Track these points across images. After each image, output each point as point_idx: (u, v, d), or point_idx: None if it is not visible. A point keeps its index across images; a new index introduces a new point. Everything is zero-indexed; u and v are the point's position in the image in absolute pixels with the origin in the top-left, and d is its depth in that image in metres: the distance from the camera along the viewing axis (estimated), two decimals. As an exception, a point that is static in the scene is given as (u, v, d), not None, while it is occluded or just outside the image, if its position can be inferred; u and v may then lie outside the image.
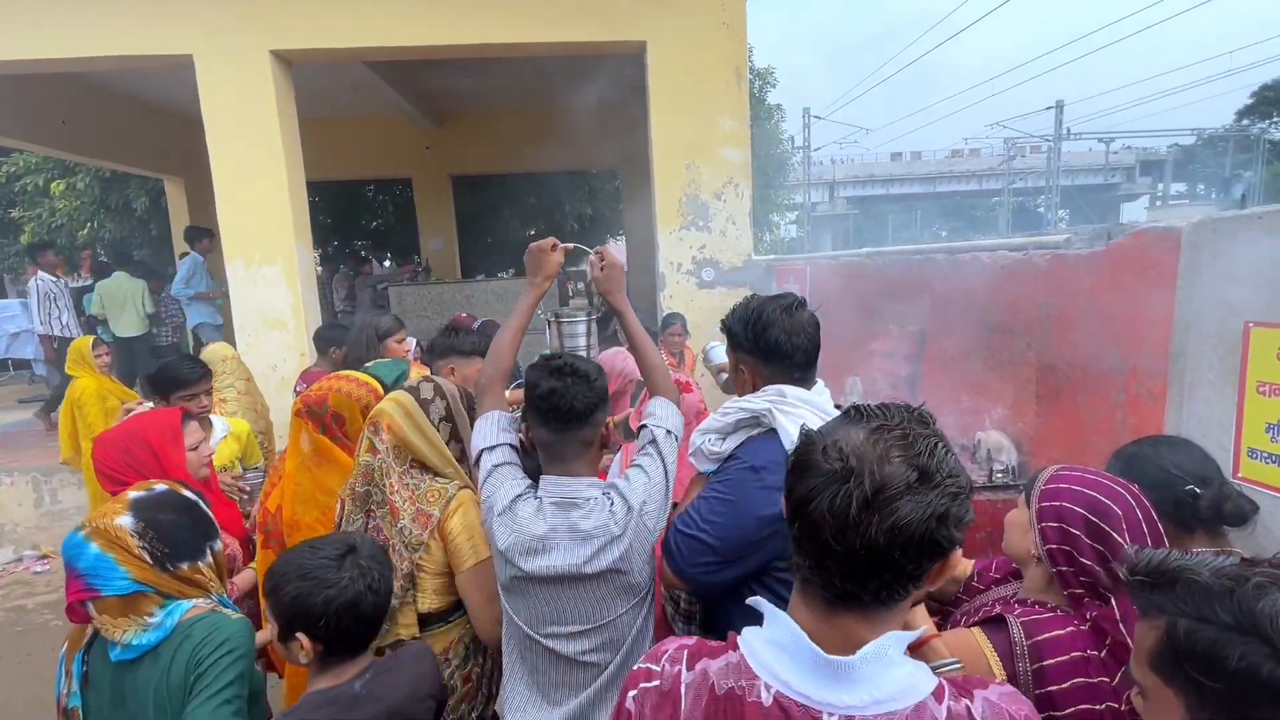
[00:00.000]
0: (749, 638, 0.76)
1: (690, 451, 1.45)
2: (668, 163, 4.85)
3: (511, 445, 1.40)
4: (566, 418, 1.30)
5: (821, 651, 0.69)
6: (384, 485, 1.50)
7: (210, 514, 1.34)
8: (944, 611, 1.36)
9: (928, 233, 42.84)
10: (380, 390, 1.81)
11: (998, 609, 1.15)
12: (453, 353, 2.35)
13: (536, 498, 1.31)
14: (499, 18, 4.63)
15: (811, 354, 1.38)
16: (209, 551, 1.30)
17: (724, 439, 1.39)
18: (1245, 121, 35.20)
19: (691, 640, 0.80)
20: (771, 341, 1.36)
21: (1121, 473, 1.27)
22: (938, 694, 0.70)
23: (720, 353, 2.20)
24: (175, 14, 4.42)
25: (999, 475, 1.88)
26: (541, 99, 7.89)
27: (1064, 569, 1.09)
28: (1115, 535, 1.04)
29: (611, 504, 1.30)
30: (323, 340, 3.66)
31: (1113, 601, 1.04)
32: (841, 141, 31.26)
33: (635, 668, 0.79)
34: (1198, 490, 1.24)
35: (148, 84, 7.11)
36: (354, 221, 13.42)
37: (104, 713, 1.21)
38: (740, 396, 1.44)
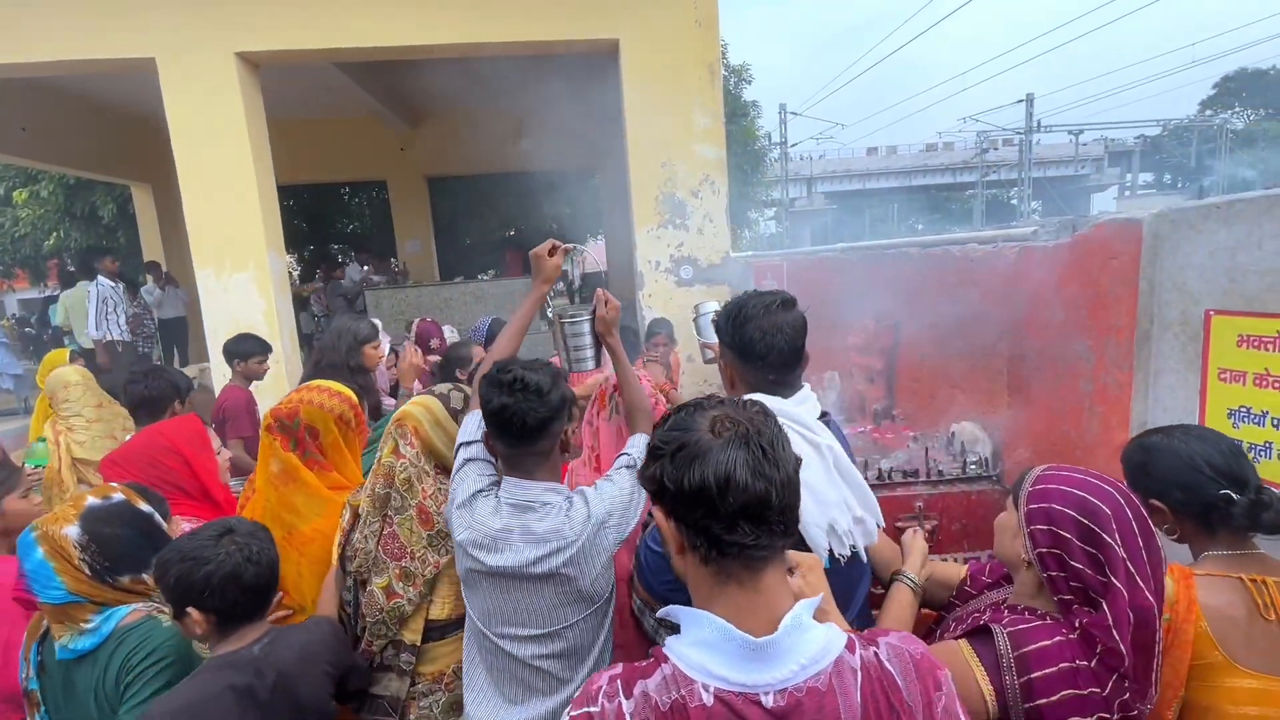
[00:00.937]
0: (675, 647, 0.78)
1: None
2: (643, 161, 4.84)
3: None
4: (519, 433, 1.29)
5: (749, 637, 0.74)
6: (415, 489, 1.48)
7: (164, 527, 1.33)
8: (937, 617, 1.36)
9: (904, 226, 43.34)
10: (354, 398, 1.78)
11: (986, 617, 1.13)
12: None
13: (496, 497, 1.33)
14: (470, 17, 4.59)
15: (789, 357, 1.33)
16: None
17: None
18: (1209, 112, 36.13)
19: (618, 668, 0.81)
20: (747, 338, 1.33)
21: (1141, 466, 1.26)
22: (849, 646, 0.76)
23: (709, 325, 2.15)
24: (136, 16, 4.31)
25: (973, 466, 1.90)
26: (517, 98, 7.83)
27: (1054, 574, 1.06)
28: (1106, 537, 1.01)
29: (570, 509, 1.30)
30: (228, 353, 3.44)
31: (1104, 606, 1.01)
32: (818, 137, 31.48)
33: (571, 714, 0.78)
34: (1234, 496, 1.17)
35: (111, 88, 6.94)
36: (329, 225, 13.24)
37: (58, 699, 1.29)
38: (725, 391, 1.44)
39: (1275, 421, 1.28)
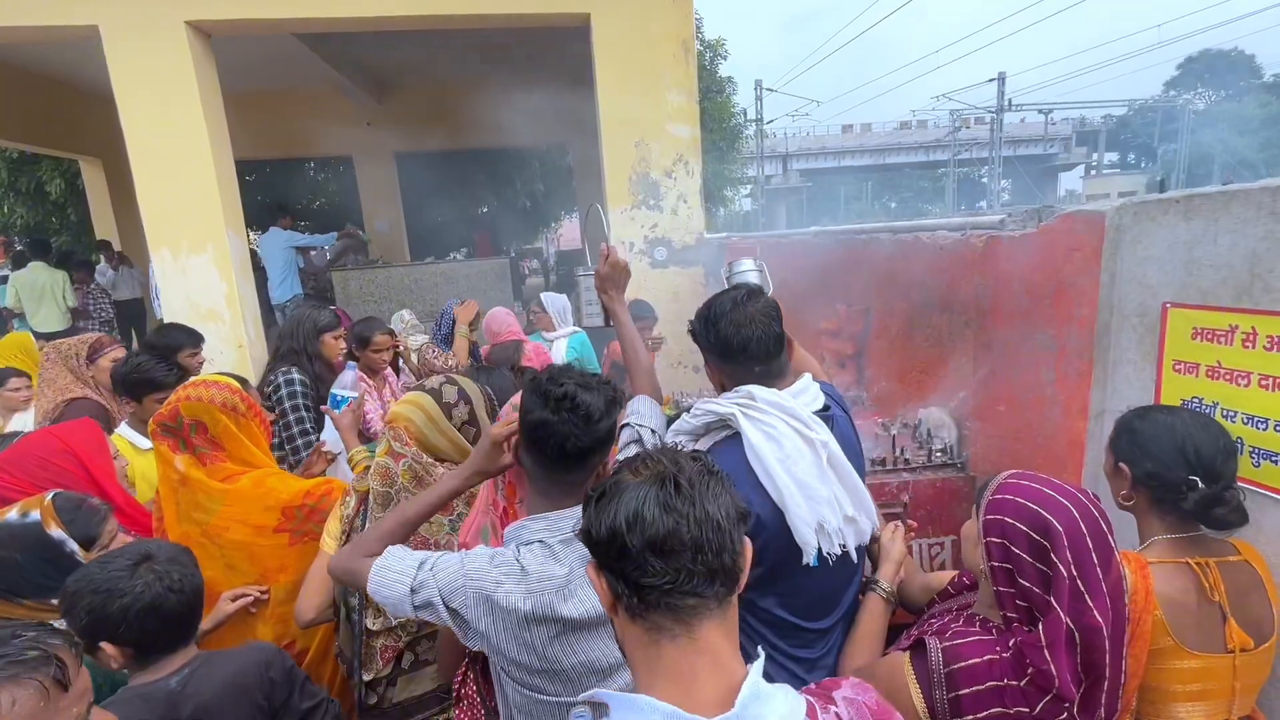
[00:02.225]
0: None
1: None
2: (616, 141, 4.77)
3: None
4: (554, 457, 1.09)
5: None
6: (425, 484, 1.43)
7: (78, 554, 1.24)
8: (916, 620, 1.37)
9: (878, 204, 43.67)
10: (236, 385, 1.73)
11: (935, 627, 1.14)
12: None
13: (540, 543, 1.09)
14: (438, -13, 4.42)
15: (769, 344, 1.30)
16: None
17: (695, 441, 1.33)
18: (1172, 92, 36.85)
19: None
20: (723, 335, 1.31)
21: (1129, 428, 1.26)
22: (810, 712, 0.72)
23: (749, 281, 1.95)
24: (76, -20, 4.07)
25: (938, 454, 1.94)
26: (487, 72, 7.62)
27: (1003, 589, 1.06)
28: (1055, 554, 1.00)
29: None
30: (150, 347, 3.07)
31: (1040, 626, 1.01)
32: (794, 114, 31.38)
33: None
34: (1196, 483, 1.18)
35: (54, 57, 6.56)
36: (295, 202, 12.82)
37: None
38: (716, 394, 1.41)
39: (1225, 412, 1.32)
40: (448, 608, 1.05)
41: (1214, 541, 1.24)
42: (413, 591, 1.06)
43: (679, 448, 1.30)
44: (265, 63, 6.63)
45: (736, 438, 1.24)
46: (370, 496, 1.49)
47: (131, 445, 2.17)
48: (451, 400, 1.49)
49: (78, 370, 2.60)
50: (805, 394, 1.31)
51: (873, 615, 1.31)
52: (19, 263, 6.69)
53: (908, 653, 1.13)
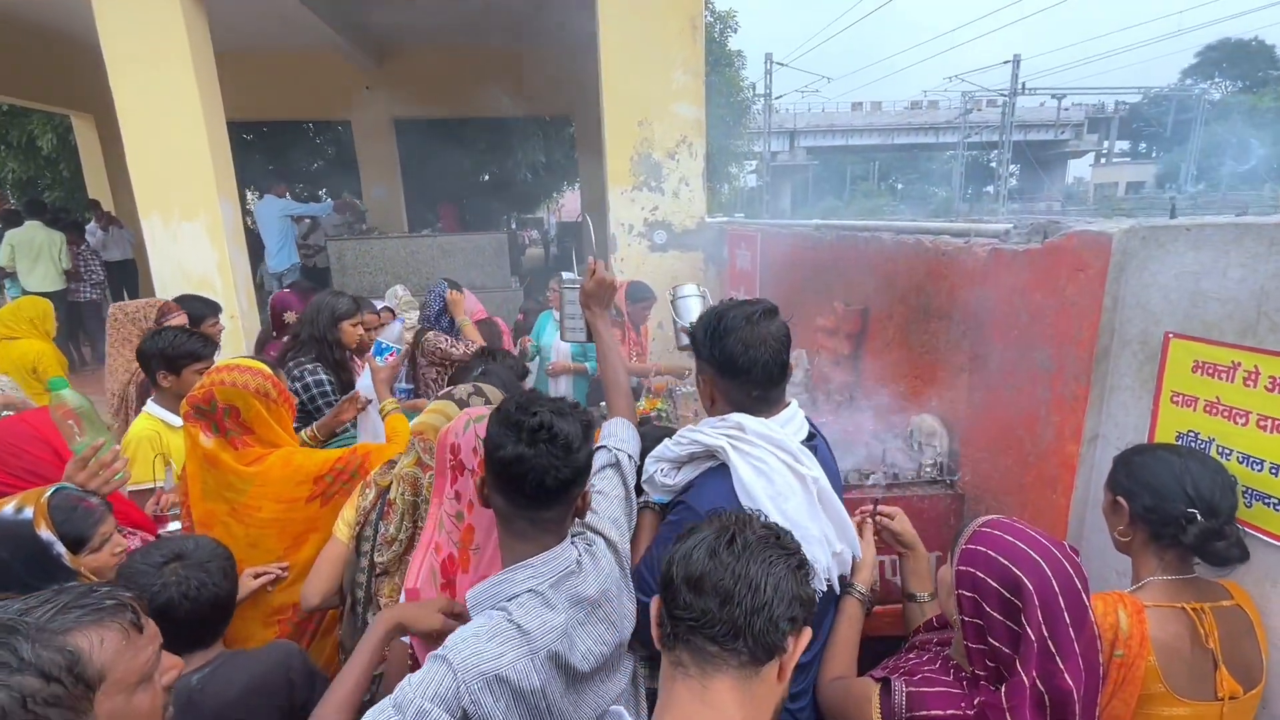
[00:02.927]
0: None
1: (644, 478, 1.34)
2: (619, 119, 4.65)
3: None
4: (533, 495, 1.00)
5: None
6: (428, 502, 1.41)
7: (64, 558, 1.21)
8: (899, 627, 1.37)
9: (884, 184, 43.15)
10: (269, 371, 1.73)
11: (907, 665, 1.13)
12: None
13: (530, 593, 1.01)
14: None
15: (774, 371, 1.25)
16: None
17: (678, 469, 1.29)
18: (1189, 81, 36.19)
19: None
20: (728, 352, 1.24)
21: (1129, 462, 1.24)
22: None
23: (690, 307, 2.03)
24: (61, -69, 3.91)
25: (928, 469, 1.92)
26: (489, 37, 7.42)
27: (973, 645, 1.04)
28: (1024, 615, 0.98)
29: (594, 556, 1.10)
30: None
31: (1004, 688, 0.99)
32: (803, 90, 30.77)
33: None
34: (1195, 516, 1.16)
35: (44, 8, 6.36)
36: (293, 165, 12.60)
37: None
38: (703, 409, 1.37)
39: (1221, 450, 1.30)
40: (461, 712, 0.90)
41: (1208, 584, 1.22)
42: None
43: (662, 475, 1.29)
44: (262, 21, 6.43)
45: (723, 469, 1.21)
46: (398, 506, 1.48)
47: (164, 424, 2.12)
48: (464, 396, 1.47)
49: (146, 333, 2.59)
50: (793, 423, 1.28)
51: (850, 620, 1.31)
52: (10, 221, 6.58)
53: (880, 683, 1.12)
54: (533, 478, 0.99)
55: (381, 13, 6.68)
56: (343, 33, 6.84)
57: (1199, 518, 1.16)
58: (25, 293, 6.20)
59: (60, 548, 1.20)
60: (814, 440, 1.31)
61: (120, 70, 4.07)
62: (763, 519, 0.88)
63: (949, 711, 1.02)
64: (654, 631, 0.83)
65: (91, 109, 7.94)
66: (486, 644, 0.94)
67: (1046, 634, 0.97)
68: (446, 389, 1.53)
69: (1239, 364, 1.25)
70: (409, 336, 3.43)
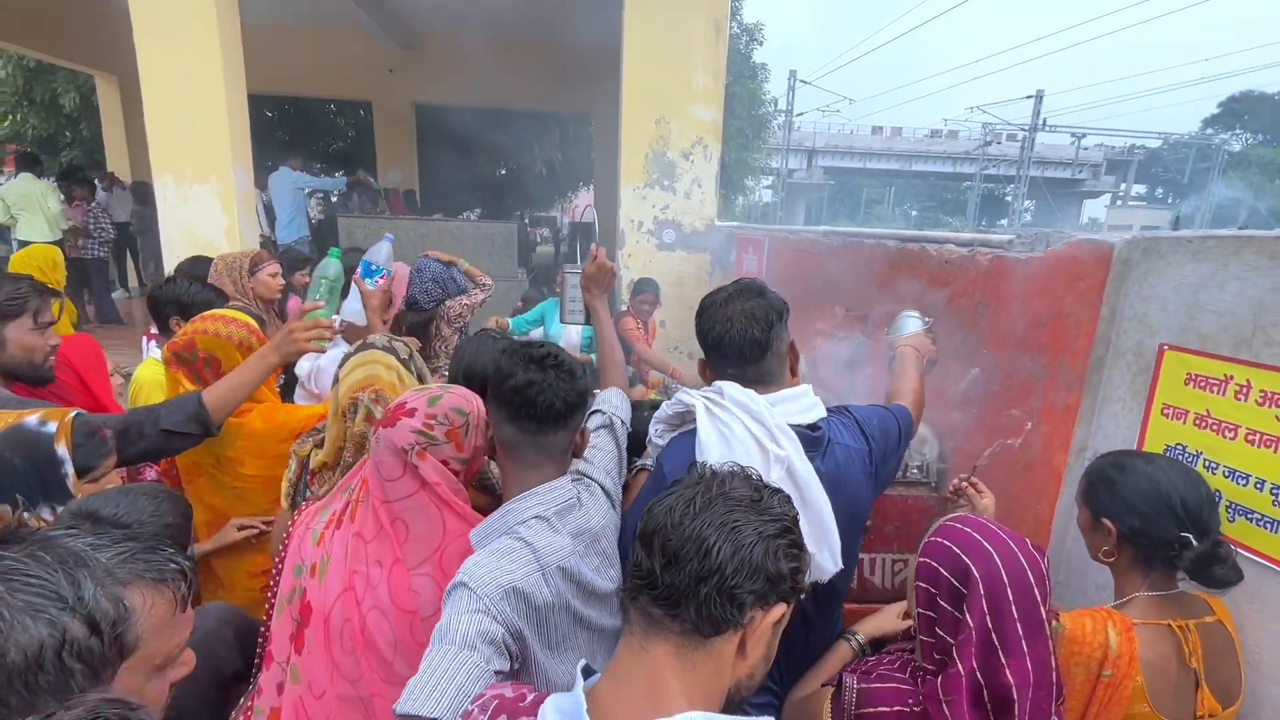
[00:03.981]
0: (547, 706, 0.72)
1: (647, 441, 1.38)
2: (637, 116, 4.67)
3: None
4: (544, 417, 1.08)
5: None
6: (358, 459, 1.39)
7: (68, 479, 1.21)
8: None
9: (899, 210, 43.23)
10: (253, 323, 1.72)
11: (864, 666, 1.10)
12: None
13: (536, 519, 1.07)
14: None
15: (744, 347, 1.23)
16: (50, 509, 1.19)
17: (672, 431, 1.30)
18: (1210, 130, 36.24)
19: (511, 690, 0.77)
20: (702, 329, 1.29)
21: (1108, 482, 1.21)
22: None
23: (904, 325, 1.83)
24: (100, -112, 3.95)
25: (914, 470, 1.91)
26: (515, 30, 7.47)
27: (925, 638, 1.01)
28: (968, 604, 0.94)
29: (591, 494, 1.17)
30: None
31: (940, 678, 0.96)
32: (825, 109, 30.83)
33: (468, 708, 0.77)
34: (1193, 541, 1.13)
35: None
36: (313, 142, 12.69)
37: None
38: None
39: (1208, 464, 1.29)
40: (504, 625, 0.96)
41: (1192, 599, 1.20)
42: (470, 648, 0.91)
43: (656, 436, 1.30)
44: (291, -5, 6.49)
45: (694, 433, 1.20)
46: (338, 473, 1.43)
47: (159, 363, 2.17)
48: (405, 356, 1.47)
49: (239, 282, 2.67)
50: (788, 404, 1.22)
51: (839, 658, 1.26)
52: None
53: (832, 688, 1.09)
54: (544, 400, 1.07)
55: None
56: (372, 13, 6.90)
57: (1194, 542, 1.13)
58: (22, 244, 6.24)
59: (69, 468, 1.20)
60: (818, 432, 1.23)
61: (146, 30, 4.11)
62: (759, 479, 0.80)
63: (895, 708, 0.99)
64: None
65: (116, 70, 8.00)
66: (499, 561, 1.00)
67: (990, 625, 0.93)
68: (362, 341, 1.50)
69: (1231, 377, 1.24)
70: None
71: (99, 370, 2.11)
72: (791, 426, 1.19)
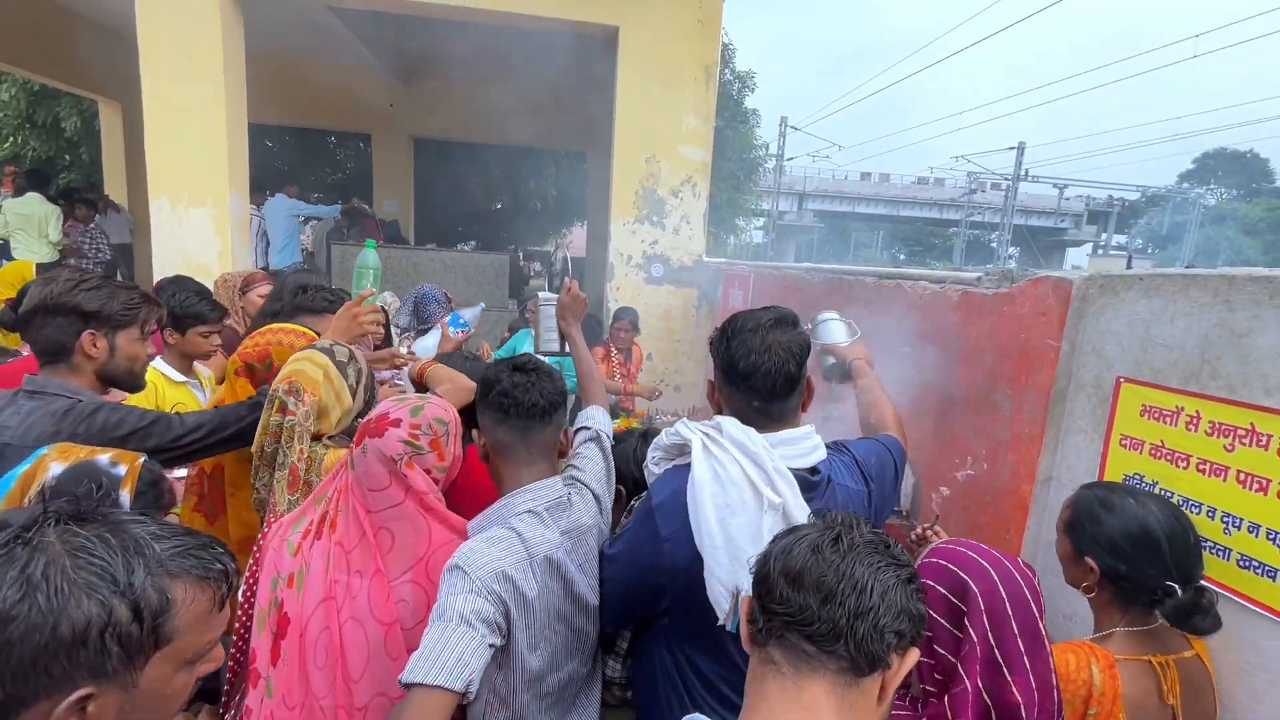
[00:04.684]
0: None
1: (644, 466, 1.35)
2: (628, 153, 4.81)
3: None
4: (530, 414, 1.20)
5: None
6: (294, 449, 1.40)
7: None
8: None
9: (887, 254, 44.09)
10: (312, 335, 1.75)
11: None
12: (303, 312, 2.20)
13: (529, 513, 1.16)
14: (472, -19, 4.49)
15: (776, 381, 1.16)
16: None
17: (671, 460, 1.25)
18: (1185, 184, 37.52)
19: None
20: (732, 355, 1.19)
21: (1094, 519, 1.18)
22: None
23: (832, 330, 1.91)
24: (116, -76, 4.11)
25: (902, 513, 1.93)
26: (514, 70, 7.69)
27: (922, 659, 0.99)
28: (969, 618, 0.94)
29: (582, 497, 1.25)
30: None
31: (947, 699, 0.94)
32: (814, 154, 31.70)
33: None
34: (1178, 592, 1.12)
35: (88, -4, 6.61)
36: (312, 173, 12.86)
37: None
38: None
39: (1164, 493, 1.33)
40: (500, 603, 1.05)
41: (1170, 633, 1.19)
42: (468, 625, 0.99)
43: (653, 463, 1.28)
44: (297, 29, 6.68)
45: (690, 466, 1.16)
46: (256, 455, 1.44)
47: (164, 377, 2.22)
48: (344, 359, 1.49)
49: (232, 300, 2.70)
50: (790, 445, 1.17)
51: None
52: (19, 194, 6.66)
53: None
54: (529, 398, 1.20)
55: (412, 35, 6.95)
56: (374, 50, 7.10)
57: (1179, 592, 1.12)
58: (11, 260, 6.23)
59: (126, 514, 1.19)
60: (818, 475, 1.19)
61: (152, 57, 4.22)
62: (869, 526, 0.80)
63: None
64: (743, 630, 0.79)
65: (119, 96, 8.14)
66: (492, 548, 1.09)
67: (993, 642, 0.93)
68: (325, 347, 1.54)
69: (1182, 409, 1.29)
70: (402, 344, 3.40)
71: None
72: (791, 470, 1.15)
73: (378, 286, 1.74)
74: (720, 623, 1.08)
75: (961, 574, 0.98)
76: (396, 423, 1.20)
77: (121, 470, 1.16)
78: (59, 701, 0.62)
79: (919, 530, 1.54)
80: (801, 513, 1.11)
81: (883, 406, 1.55)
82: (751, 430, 1.15)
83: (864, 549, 0.75)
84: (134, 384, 1.53)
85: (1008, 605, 0.95)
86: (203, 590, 0.73)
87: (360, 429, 1.23)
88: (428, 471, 1.21)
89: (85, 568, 0.65)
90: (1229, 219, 33.03)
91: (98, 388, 1.47)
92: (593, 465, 1.33)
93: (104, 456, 1.17)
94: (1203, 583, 1.16)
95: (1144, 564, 1.14)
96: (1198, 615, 1.13)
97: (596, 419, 1.45)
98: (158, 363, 2.24)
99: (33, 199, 6.37)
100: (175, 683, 0.72)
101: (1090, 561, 1.19)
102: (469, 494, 1.34)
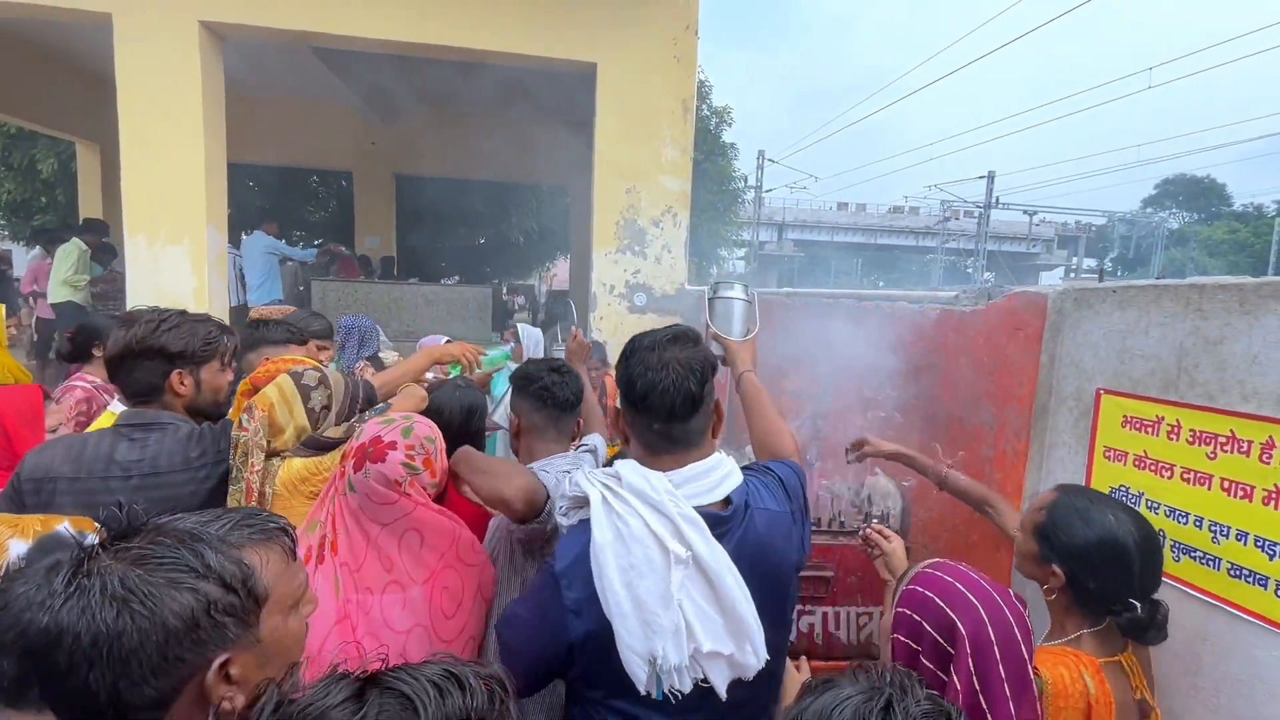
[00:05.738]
0: None
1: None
2: (609, 185, 4.87)
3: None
4: (562, 405, 1.60)
5: None
6: (248, 463, 1.44)
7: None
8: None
9: (867, 280, 44.89)
10: (320, 366, 1.77)
11: None
12: (263, 343, 2.33)
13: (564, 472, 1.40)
14: (453, 21, 4.57)
15: (674, 402, 1.07)
16: None
17: (579, 509, 1.13)
18: (1149, 209, 38.87)
19: None
20: (629, 375, 1.12)
21: (1069, 529, 1.17)
22: None
23: (728, 311, 1.72)
24: (95, -32, 4.15)
25: (875, 520, 1.91)
26: (494, 107, 7.82)
27: None
28: (954, 662, 0.92)
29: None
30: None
31: None
32: (792, 186, 32.44)
33: None
34: (1137, 608, 1.13)
35: (66, 37, 6.63)
36: (294, 211, 12.86)
37: None
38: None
39: (1150, 503, 1.32)
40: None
41: (1116, 630, 1.20)
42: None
43: (560, 513, 1.19)
44: (278, 69, 6.75)
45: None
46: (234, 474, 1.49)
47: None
48: (311, 384, 1.53)
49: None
50: (696, 481, 1.07)
51: None
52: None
53: None
54: (562, 392, 1.59)
55: (395, 75, 7.06)
56: (355, 89, 7.19)
57: (1139, 609, 1.13)
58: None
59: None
60: (729, 509, 1.09)
61: (130, 99, 4.22)
62: (927, 691, 0.70)
63: None
64: None
65: (98, 138, 8.12)
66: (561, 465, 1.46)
67: (977, 687, 0.90)
68: (296, 371, 1.59)
69: (1163, 418, 1.30)
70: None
71: (32, 425, 2.00)
72: (701, 506, 1.06)
73: (499, 364, 1.99)
74: (643, 692, 0.99)
75: (949, 612, 0.95)
76: (393, 445, 1.23)
77: (90, 538, 1.12)
78: (205, 675, 0.71)
79: (863, 531, 1.48)
80: (715, 556, 1.01)
81: (780, 431, 1.42)
82: (652, 474, 1.06)
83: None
84: (219, 414, 1.59)
85: (996, 650, 0.92)
86: (269, 548, 0.80)
87: (356, 452, 1.23)
88: (423, 488, 1.25)
89: (158, 569, 0.71)
90: (1192, 241, 34.16)
91: (187, 418, 1.54)
92: (588, 468, 1.46)
93: (63, 525, 1.12)
94: (1154, 597, 1.17)
95: (1112, 579, 1.14)
96: (1151, 629, 1.14)
97: (595, 440, 1.69)
98: (116, 405, 2.10)
99: (71, 242, 6.32)
100: (290, 627, 0.81)
101: (1057, 570, 1.20)
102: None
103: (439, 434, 1.32)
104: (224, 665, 0.72)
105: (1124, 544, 1.15)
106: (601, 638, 1.01)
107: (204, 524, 0.77)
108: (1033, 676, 0.94)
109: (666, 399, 1.08)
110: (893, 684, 0.68)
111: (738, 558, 1.04)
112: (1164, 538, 1.29)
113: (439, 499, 1.34)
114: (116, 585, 0.67)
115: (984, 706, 0.90)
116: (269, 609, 0.77)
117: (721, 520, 1.07)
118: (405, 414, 1.35)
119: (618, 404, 1.19)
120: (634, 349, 1.15)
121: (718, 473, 1.10)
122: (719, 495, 1.09)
